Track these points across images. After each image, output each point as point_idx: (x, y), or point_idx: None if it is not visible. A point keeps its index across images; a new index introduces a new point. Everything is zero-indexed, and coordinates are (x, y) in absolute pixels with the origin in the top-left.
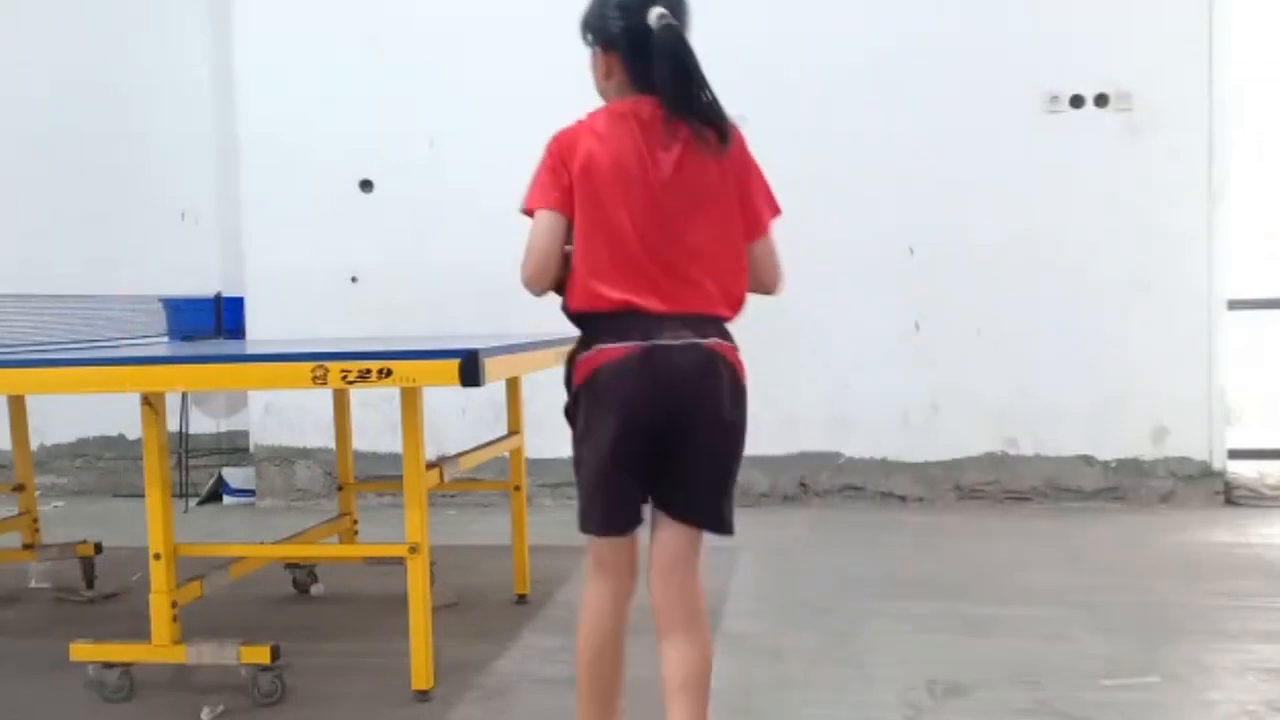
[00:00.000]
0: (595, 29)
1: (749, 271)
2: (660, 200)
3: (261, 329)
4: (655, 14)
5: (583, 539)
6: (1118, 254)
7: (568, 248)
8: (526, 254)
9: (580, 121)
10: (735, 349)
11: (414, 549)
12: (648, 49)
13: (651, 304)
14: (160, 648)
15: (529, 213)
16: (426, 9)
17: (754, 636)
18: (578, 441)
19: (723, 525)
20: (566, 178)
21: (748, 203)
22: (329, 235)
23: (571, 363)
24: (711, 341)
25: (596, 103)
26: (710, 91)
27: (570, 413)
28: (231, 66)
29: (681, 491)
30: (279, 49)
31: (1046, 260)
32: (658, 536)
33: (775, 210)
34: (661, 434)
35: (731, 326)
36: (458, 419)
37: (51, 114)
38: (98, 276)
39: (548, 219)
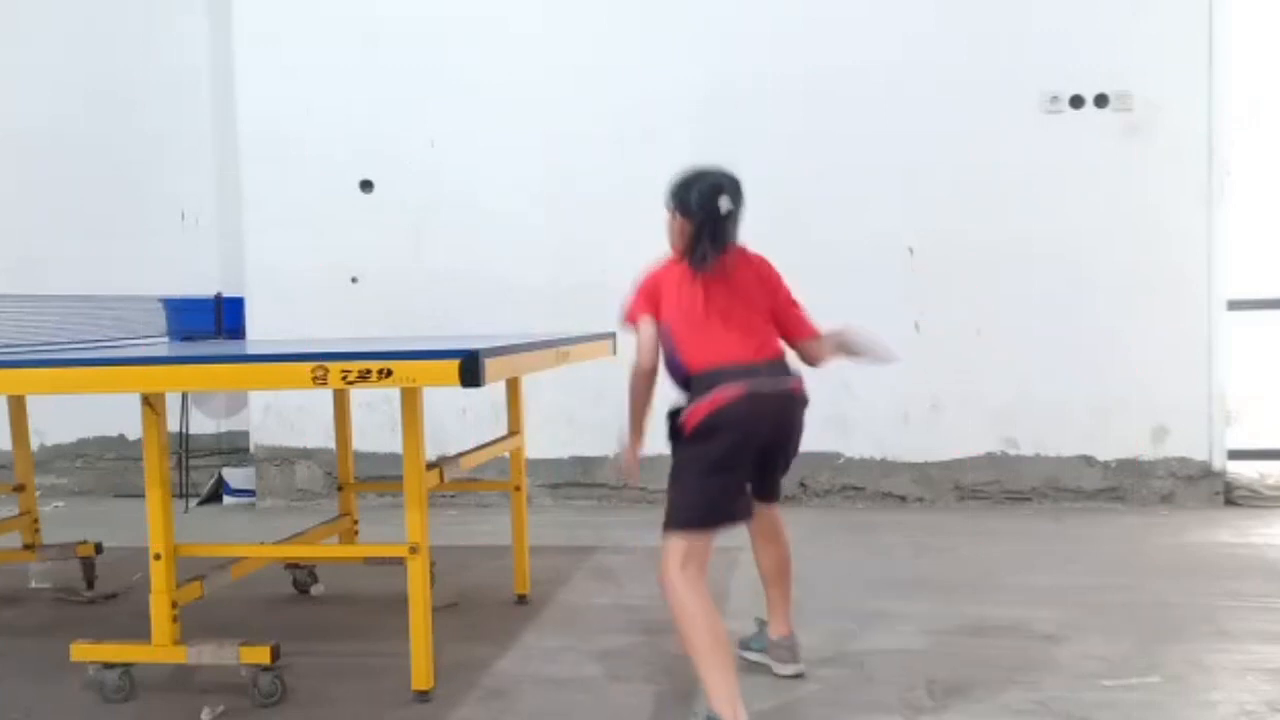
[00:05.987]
0: (680, 203)
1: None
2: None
3: (261, 329)
4: (724, 203)
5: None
6: (1117, 254)
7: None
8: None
9: (660, 273)
10: (798, 378)
11: (414, 549)
12: (715, 222)
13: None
14: (160, 648)
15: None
16: (426, 9)
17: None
18: (690, 460)
19: (780, 495)
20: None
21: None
22: (329, 235)
23: (683, 408)
24: (793, 378)
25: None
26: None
27: (687, 440)
28: (232, 66)
29: (770, 481)
30: (279, 49)
31: (1047, 260)
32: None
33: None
34: (763, 448)
35: None
36: (458, 419)
37: (51, 114)
38: (98, 276)
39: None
